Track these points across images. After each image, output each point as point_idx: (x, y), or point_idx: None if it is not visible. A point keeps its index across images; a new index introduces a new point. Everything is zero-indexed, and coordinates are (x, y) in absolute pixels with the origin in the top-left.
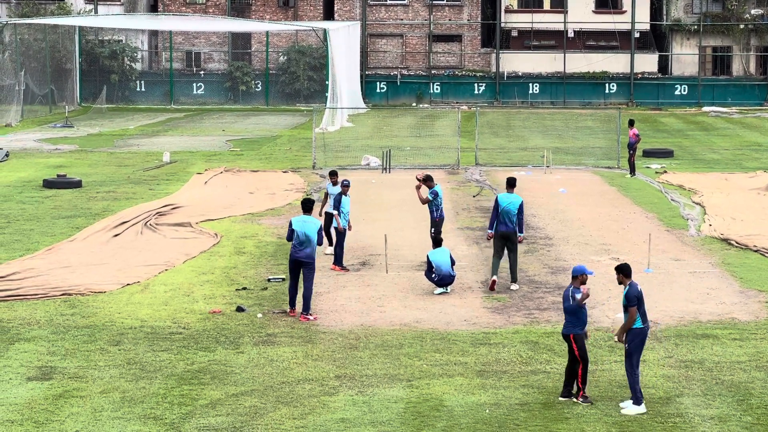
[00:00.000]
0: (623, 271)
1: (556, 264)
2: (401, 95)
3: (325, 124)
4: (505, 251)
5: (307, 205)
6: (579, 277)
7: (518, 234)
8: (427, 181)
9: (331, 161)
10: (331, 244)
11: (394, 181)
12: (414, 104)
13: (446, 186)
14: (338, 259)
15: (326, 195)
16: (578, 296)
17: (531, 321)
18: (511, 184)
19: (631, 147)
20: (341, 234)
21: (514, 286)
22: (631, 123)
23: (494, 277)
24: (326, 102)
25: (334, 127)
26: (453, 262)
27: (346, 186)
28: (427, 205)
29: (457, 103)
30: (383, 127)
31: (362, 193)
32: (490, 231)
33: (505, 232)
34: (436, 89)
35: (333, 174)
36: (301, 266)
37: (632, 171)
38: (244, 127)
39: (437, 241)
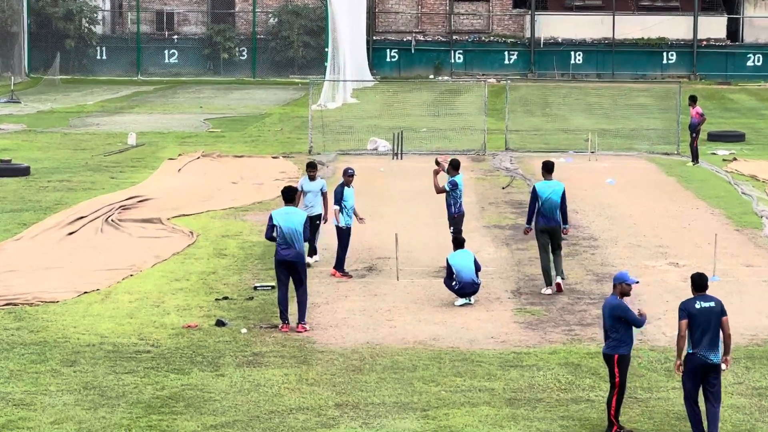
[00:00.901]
0: (693, 284)
1: (602, 270)
2: (416, 66)
3: (324, 100)
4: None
5: (288, 194)
6: (618, 285)
7: (563, 226)
8: (453, 167)
9: (331, 145)
10: (315, 253)
11: (407, 169)
12: (431, 76)
13: (470, 175)
14: (339, 264)
15: (300, 192)
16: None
17: (572, 339)
18: (548, 168)
19: (694, 129)
20: (344, 233)
21: (558, 279)
22: (693, 100)
23: (558, 279)
24: (325, 73)
25: (335, 103)
26: (478, 268)
27: (350, 176)
28: (444, 197)
29: (483, 75)
30: (394, 104)
31: (368, 184)
32: (528, 226)
33: (548, 227)
34: (459, 58)
35: (311, 166)
36: (290, 269)
37: (695, 158)
38: (226, 104)
39: (459, 242)
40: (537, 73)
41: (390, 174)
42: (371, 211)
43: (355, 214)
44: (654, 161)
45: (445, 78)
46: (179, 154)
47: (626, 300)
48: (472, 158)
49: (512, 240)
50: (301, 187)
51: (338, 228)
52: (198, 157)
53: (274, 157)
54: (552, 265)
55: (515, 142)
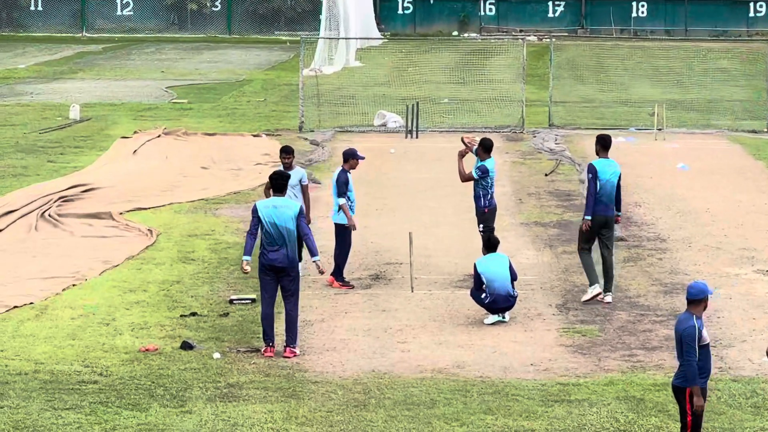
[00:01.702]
0: None
1: (672, 279)
2: (436, 20)
3: (319, 62)
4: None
5: (278, 182)
6: (702, 301)
7: (617, 214)
8: (483, 149)
9: (328, 120)
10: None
11: (424, 151)
12: (455, 33)
13: (504, 159)
14: (338, 271)
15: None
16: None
17: (633, 366)
18: (605, 144)
19: None
20: (346, 232)
21: (607, 298)
22: None
23: (597, 288)
24: (320, 29)
25: (333, 67)
26: (514, 277)
27: (356, 158)
28: (471, 187)
29: (521, 31)
30: (408, 68)
31: (375, 169)
32: (587, 218)
33: (605, 216)
34: (490, 10)
35: (286, 152)
36: (278, 276)
37: None
38: (195, 67)
39: (491, 244)
40: (589, 29)
41: (402, 157)
42: (378, 205)
43: (347, 214)
44: (738, 141)
45: (473, 35)
46: (135, 132)
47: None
48: (506, 137)
49: (558, 241)
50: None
51: (338, 226)
52: (158, 136)
53: (255, 136)
54: (593, 266)
55: (561, 117)
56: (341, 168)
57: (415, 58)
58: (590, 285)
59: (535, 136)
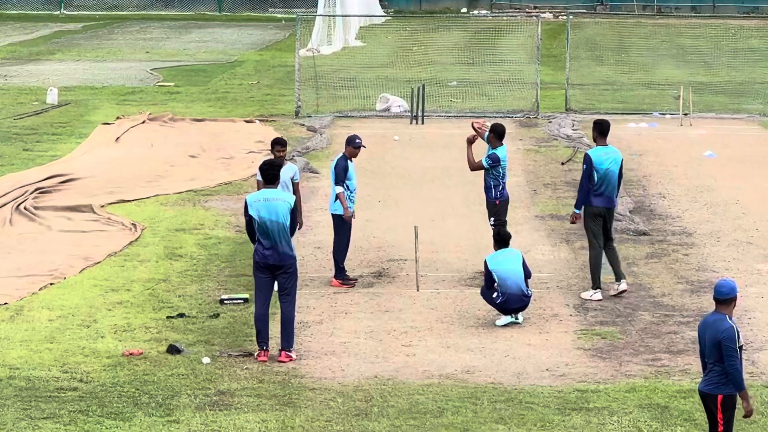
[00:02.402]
0: None
1: (700, 277)
2: None
3: (317, 42)
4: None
5: (270, 172)
6: (733, 300)
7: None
8: (495, 135)
9: (326, 104)
10: None
11: (430, 138)
12: (464, 10)
13: (517, 146)
14: (339, 270)
15: (260, 183)
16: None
17: (657, 371)
18: (603, 130)
19: None
20: (345, 225)
21: (623, 285)
22: None
23: (623, 284)
24: (318, 6)
25: (332, 47)
26: (528, 274)
27: (358, 147)
28: (482, 176)
29: (535, 8)
30: (413, 47)
31: (377, 158)
32: (577, 211)
33: (607, 208)
34: None
35: (278, 144)
36: (274, 275)
37: None
38: (182, 48)
39: (502, 239)
40: (609, 5)
41: (407, 144)
42: (381, 196)
43: (344, 205)
44: None
45: (483, 12)
46: (117, 117)
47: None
48: (520, 122)
49: (575, 235)
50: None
51: (335, 217)
52: (143, 122)
53: (247, 122)
54: (604, 262)
55: (579, 101)
56: (342, 154)
57: (420, 37)
58: (593, 287)
59: (550, 122)
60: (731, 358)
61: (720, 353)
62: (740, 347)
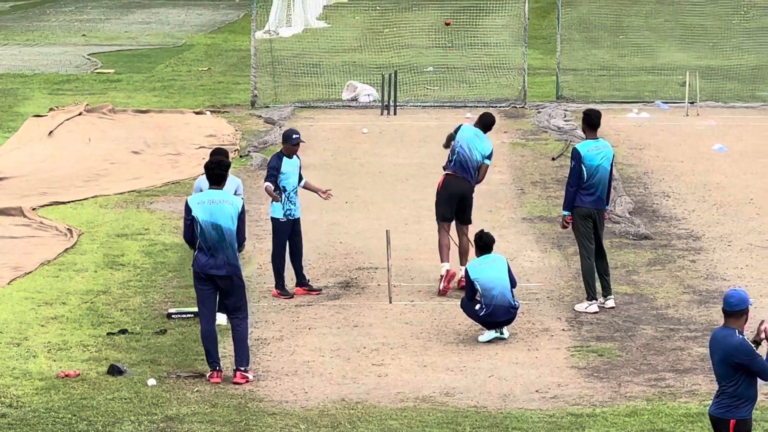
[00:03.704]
0: None
1: (708, 286)
2: None
3: (275, 23)
4: None
5: (217, 171)
6: (744, 313)
7: (606, 208)
8: (481, 126)
9: (286, 93)
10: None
11: (404, 131)
12: None
13: (501, 139)
14: (278, 278)
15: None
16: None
17: (661, 392)
18: (592, 122)
19: None
20: (281, 227)
21: (610, 302)
22: None
23: (610, 302)
24: None
25: (292, 29)
26: (513, 283)
27: (294, 144)
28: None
29: None
30: (383, 29)
31: (344, 154)
32: (566, 213)
33: (597, 209)
34: None
35: (219, 155)
36: (219, 286)
37: None
38: (123, 30)
39: (485, 244)
40: None
41: (378, 138)
42: (349, 197)
43: (313, 189)
44: None
45: None
46: (50, 109)
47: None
48: (505, 113)
49: (568, 240)
50: (200, 191)
51: (273, 221)
52: (80, 113)
53: (197, 113)
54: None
55: (572, 88)
56: (278, 151)
57: (392, 17)
58: (587, 298)
59: (539, 112)
60: (754, 363)
61: (728, 371)
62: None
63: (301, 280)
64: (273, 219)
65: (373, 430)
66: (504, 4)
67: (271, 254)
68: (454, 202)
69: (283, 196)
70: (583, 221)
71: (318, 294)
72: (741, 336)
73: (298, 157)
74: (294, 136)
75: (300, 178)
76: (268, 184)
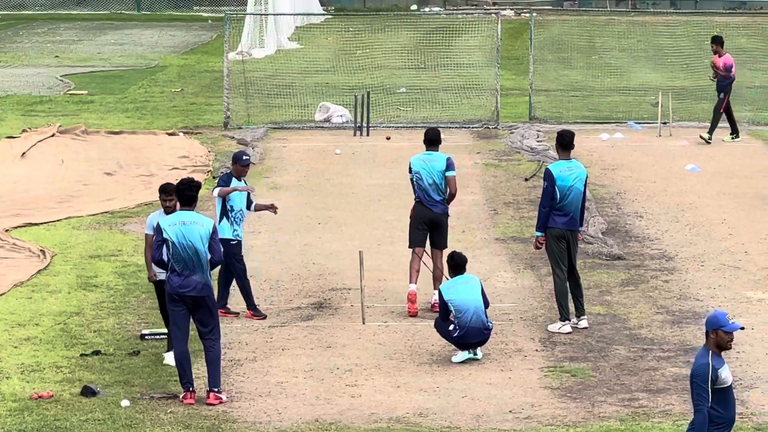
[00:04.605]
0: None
1: (681, 306)
2: None
3: (248, 44)
4: None
5: (188, 193)
6: (708, 333)
7: (579, 229)
8: (427, 142)
9: (259, 114)
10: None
11: (377, 152)
12: (414, 7)
13: (474, 160)
14: (222, 297)
15: (151, 236)
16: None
17: (634, 413)
18: (566, 143)
19: (722, 88)
20: (230, 248)
21: (583, 322)
22: (718, 43)
23: (583, 322)
24: (248, 4)
25: (265, 50)
26: (486, 304)
27: (244, 164)
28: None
29: (494, 4)
30: (356, 50)
31: (317, 175)
32: (540, 234)
33: (570, 230)
34: None
35: (166, 192)
36: (191, 308)
37: (733, 130)
38: (96, 51)
39: (455, 263)
40: (578, 0)
41: (350, 159)
42: (321, 218)
43: (263, 208)
44: (760, 137)
45: (436, 10)
46: (23, 130)
47: (725, 356)
48: (478, 134)
49: (541, 260)
50: (153, 229)
51: (224, 242)
52: (52, 135)
53: (170, 134)
54: (568, 292)
55: (544, 109)
56: (228, 172)
57: (365, 38)
58: (561, 319)
59: (512, 133)
60: (698, 398)
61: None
62: (723, 389)
63: (226, 302)
64: (223, 240)
65: None
66: (476, 24)
67: (235, 277)
68: (424, 227)
69: (230, 218)
70: (556, 242)
71: (236, 315)
72: (714, 360)
73: (245, 182)
74: (244, 158)
75: (249, 203)
76: (218, 189)
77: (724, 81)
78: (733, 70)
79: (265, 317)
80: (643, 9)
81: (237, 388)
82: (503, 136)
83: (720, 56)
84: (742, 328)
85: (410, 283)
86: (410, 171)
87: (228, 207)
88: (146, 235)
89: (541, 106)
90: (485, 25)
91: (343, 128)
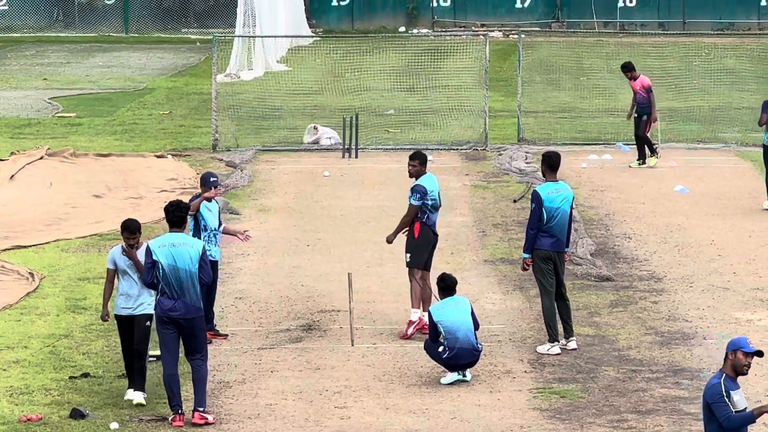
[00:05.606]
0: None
1: (670, 327)
2: (379, 13)
3: (236, 66)
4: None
5: (177, 214)
6: (727, 356)
7: (566, 251)
8: (415, 162)
9: (247, 137)
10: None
11: (365, 173)
12: (402, 29)
13: (463, 182)
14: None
15: (113, 271)
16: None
17: None
18: (552, 164)
19: (645, 110)
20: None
21: (572, 343)
22: (627, 69)
23: (557, 349)
24: (236, 26)
25: (254, 72)
26: (476, 326)
27: (213, 187)
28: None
29: (482, 26)
30: (345, 72)
31: (306, 197)
32: (526, 255)
33: (557, 251)
34: (444, 1)
35: (128, 230)
36: (180, 331)
37: (651, 151)
38: (84, 74)
39: (446, 285)
40: (566, 22)
41: (339, 181)
42: (310, 240)
43: (232, 233)
44: (748, 158)
45: (424, 31)
46: (11, 153)
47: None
48: (466, 155)
49: (529, 282)
50: (114, 264)
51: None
52: (41, 157)
53: (159, 157)
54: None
55: (533, 130)
56: (197, 193)
57: (353, 60)
58: (549, 340)
59: (500, 154)
60: (723, 413)
61: (704, 412)
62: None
63: (213, 324)
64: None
65: None
66: (465, 46)
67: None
68: (430, 250)
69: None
70: (544, 263)
71: (225, 337)
72: (727, 382)
73: (217, 202)
74: (212, 179)
75: (219, 224)
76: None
77: (645, 102)
78: (652, 89)
79: (226, 336)
80: (631, 30)
81: (226, 411)
82: (492, 157)
83: (635, 80)
84: (761, 355)
85: (415, 307)
86: (423, 195)
87: (201, 226)
88: (108, 269)
89: (529, 127)
90: (473, 46)
91: (332, 150)
